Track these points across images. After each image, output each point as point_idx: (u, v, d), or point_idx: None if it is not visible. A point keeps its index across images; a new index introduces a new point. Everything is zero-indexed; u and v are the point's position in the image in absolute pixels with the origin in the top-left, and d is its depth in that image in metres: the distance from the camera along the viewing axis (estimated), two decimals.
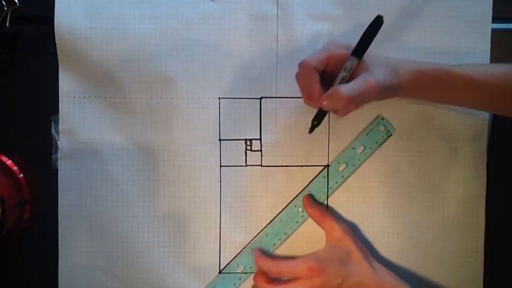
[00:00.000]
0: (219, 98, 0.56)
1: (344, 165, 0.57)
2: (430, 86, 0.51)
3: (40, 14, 0.56)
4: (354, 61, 0.49)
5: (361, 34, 0.49)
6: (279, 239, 0.57)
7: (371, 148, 0.57)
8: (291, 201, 0.57)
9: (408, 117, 0.57)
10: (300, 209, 0.57)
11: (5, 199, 0.52)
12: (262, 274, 0.54)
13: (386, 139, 0.57)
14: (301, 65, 0.50)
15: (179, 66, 0.56)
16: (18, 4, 0.55)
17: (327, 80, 0.50)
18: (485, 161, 0.57)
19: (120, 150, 0.56)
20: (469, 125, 0.57)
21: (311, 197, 0.57)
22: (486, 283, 0.57)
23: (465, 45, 0.57)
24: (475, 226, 0.57)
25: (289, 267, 0.53)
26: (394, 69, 0.49)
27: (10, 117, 0.57)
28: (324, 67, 0.50)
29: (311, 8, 0.56)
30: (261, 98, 0.57)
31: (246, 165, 0.57)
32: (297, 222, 0.57)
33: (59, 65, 0.55)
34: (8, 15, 0.55)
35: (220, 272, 0.57)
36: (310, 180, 0.57)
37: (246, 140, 0.57)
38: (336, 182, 0.57)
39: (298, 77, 0.51)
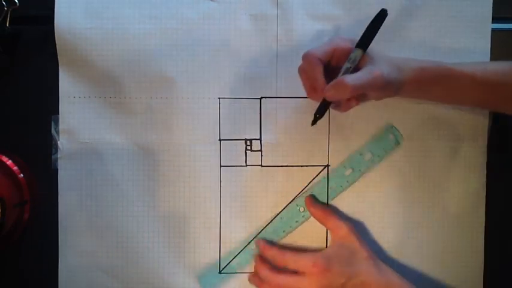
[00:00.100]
0: (219, 98, 0.56)
1: (350, 170, 0.56)
2: (432, 83, 0.51)
3: (40, 14, 0.56)
4: (358, 52, 0.49)
5: (364, 30, 0.49)
6: (277, 236, 0.57)
7: (379, 156, 0.56)
8: (293, 200, 0.57)
9: (408, 117, 0.57)
10: (302, 209, 0.57)
11: (5, 199, 0.52)
12: (264, 263, 0.54)
13: (394, 148, 0.56)
14: (306, 56, 0.49)
15: (179, 66, 0.56)
16: (18, 4, 0.55)
17: (330, 74, 0.50)
18: (485, 161, 0.57)
19: (120, 150, 0.56)
20: (469, 125, 0.57)
21: (313, 197, 0.57)
22: (486, 283, 0.57)
23: (465, 45, 0.57)
24: (475, 226, 0.57)
25: (294, 258, 0.53)
26: (397, 66, 0.49)
27: (10, 117, 0.57)
28: (329, 59, 0.50)
29: (311, 8, 0.56)
30: (261, 98, 0.57)
31: (246, 165, 0.57)
32: (297, 221, 0.57)
33: (59, 65, 0.55)
34: (8, 15, 0.55)
35: (220, 272, 0.57)
36: (310, 180, 0.57)
37: (246, 140, 0.57)
38: (341, 186, 0.57)
39: (302, 70, 0.51)
